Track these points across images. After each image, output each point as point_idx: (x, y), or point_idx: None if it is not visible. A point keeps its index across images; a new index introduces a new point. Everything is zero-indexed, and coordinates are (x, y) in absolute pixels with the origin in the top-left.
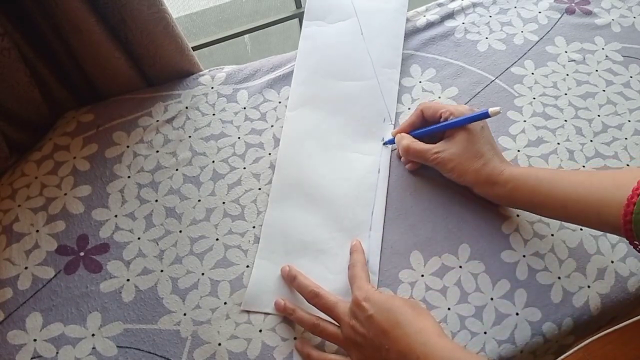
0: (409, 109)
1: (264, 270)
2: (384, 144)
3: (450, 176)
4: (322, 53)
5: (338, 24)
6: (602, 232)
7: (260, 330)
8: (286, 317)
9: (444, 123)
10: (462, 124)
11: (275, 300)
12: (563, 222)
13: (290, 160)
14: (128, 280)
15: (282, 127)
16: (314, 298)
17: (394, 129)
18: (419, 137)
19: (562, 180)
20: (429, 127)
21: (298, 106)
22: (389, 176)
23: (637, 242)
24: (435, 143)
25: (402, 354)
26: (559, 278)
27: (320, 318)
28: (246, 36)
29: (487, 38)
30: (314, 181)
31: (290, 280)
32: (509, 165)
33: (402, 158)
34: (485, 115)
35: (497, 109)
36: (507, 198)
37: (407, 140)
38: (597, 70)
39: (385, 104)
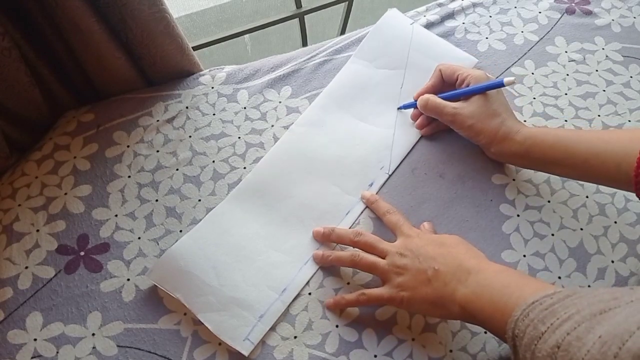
0: None
1: (187, 248)
2: (398, 108)
3: (466, 134)
4: (355, 91)
5: (384, 70)
6: (602, 232)
7: None
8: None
9: (464, 90)
10: (480, 92)
11: (314, 253)
12: (563, 222)
13: (272, 167)
14: (128, 279)
15: (282, 127)
16: (357, 236)
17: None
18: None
19: (580, 137)
20: (449, 92)
21: (307, 124)
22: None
23: None
24: None
25: (452, 269)
26: (560, 278)
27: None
28: (246, 36)
29: (487, 38)
30: (279, 196)
31: (327, 235)
32: (525, 126)
33: (416, 122)
34: (501, 84)
35: (512, 79)
36: (524, 156)
37: (428, 95)
38: (597, 70)
39: (390, 154)
